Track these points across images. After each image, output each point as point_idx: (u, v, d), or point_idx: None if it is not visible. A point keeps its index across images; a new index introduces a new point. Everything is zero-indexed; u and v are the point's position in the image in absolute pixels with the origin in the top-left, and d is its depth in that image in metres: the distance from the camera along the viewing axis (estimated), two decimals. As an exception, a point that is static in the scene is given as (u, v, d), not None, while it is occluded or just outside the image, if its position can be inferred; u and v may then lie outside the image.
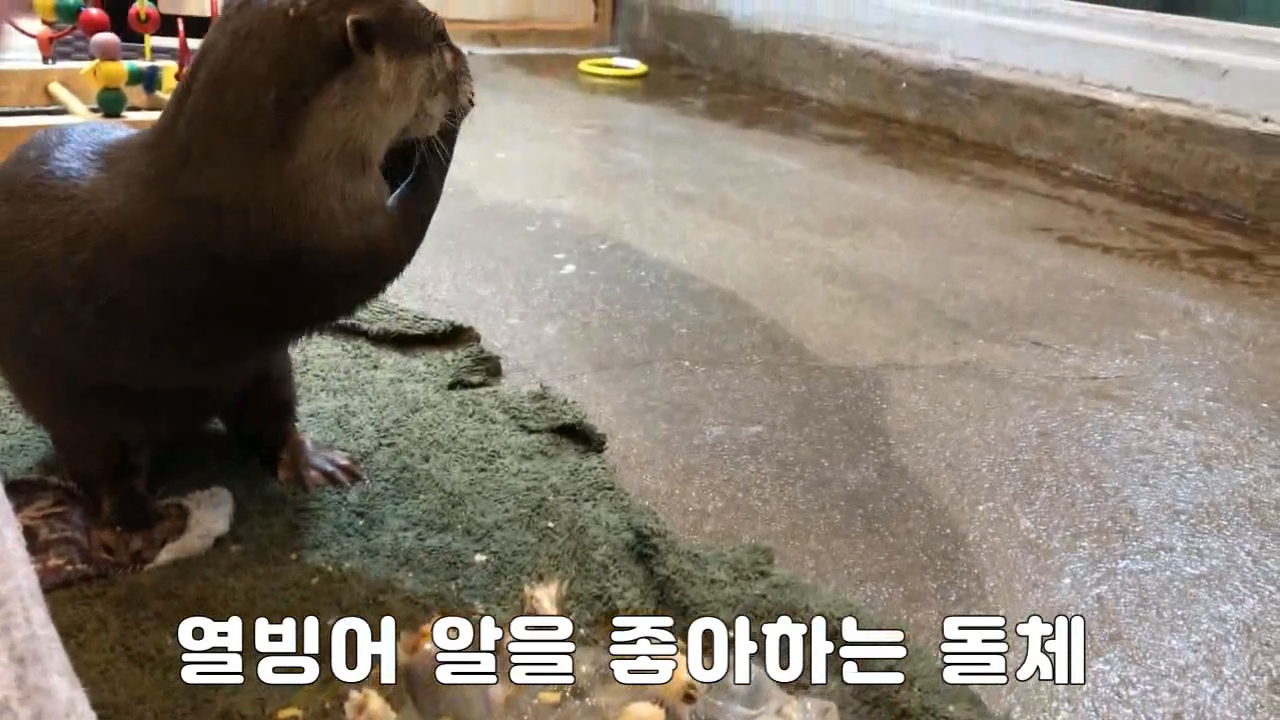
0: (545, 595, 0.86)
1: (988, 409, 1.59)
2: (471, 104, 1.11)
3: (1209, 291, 2.16)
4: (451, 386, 1.51)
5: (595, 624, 1.04)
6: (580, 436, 1.40)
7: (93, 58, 2.17)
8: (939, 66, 3.46)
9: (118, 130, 1.10)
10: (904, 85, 3.58)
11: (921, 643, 1.06)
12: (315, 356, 1.56)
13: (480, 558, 1.13)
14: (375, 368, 1.55)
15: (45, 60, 2.50)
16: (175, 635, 0.96)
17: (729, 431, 1.47)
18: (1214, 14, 2.90)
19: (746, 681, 0.88)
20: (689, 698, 0.80)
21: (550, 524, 1.19)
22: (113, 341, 1.01)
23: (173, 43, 2.32)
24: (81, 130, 1.08)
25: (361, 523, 1.17)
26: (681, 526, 1.24)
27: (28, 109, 2.44)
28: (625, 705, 0.81)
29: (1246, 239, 2.54)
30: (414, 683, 0.76)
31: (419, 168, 1.09)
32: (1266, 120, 2.65)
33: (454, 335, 1.67)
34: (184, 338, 1.03)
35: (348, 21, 0.94)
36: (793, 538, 1.24)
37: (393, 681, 0.92)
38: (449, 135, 1.11)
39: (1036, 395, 1.65)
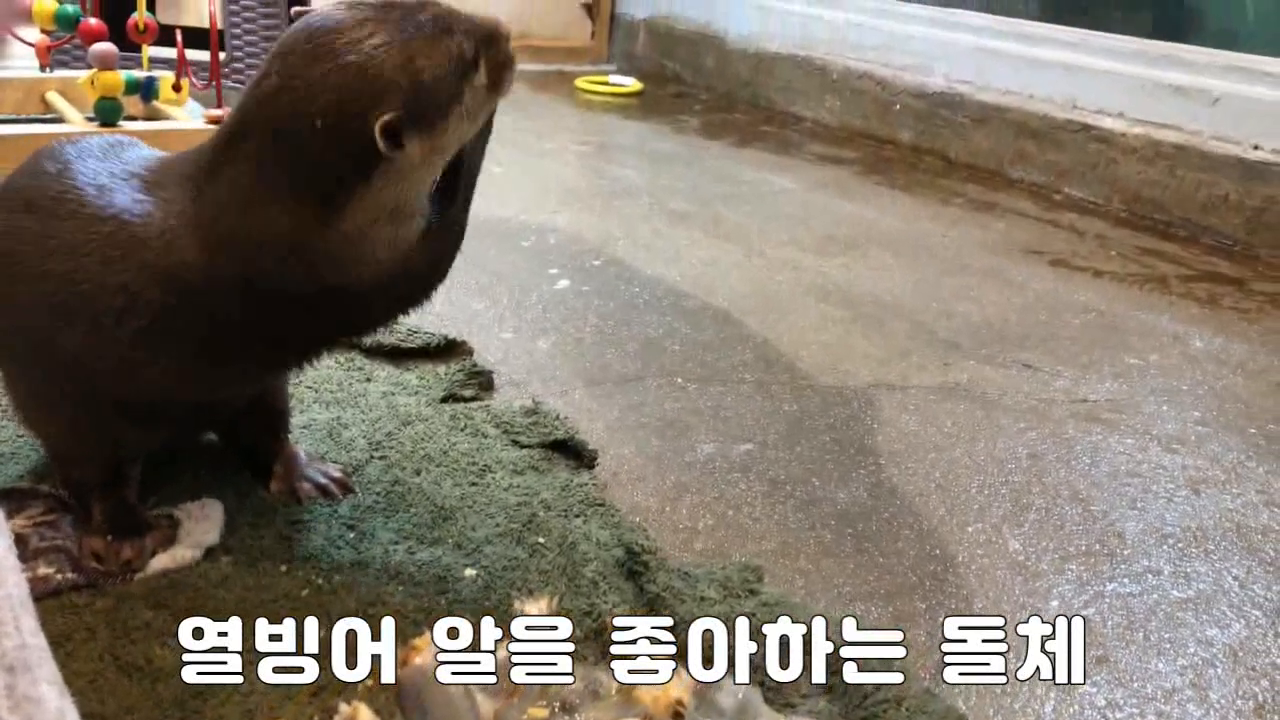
0: (536, 611, 0.86)
1: (978, 430, 1.60)
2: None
3: (1198, 316, 2.17)
4: (444, 400, 1.52)
5: (585, 640, 1.04)
6: (572, 452, 1.41)
7: (90, 67, 2.17)
8: (932, 89, 3.48)
9: (137, 146, 1.11)
10: (898, 107, 3.60)
11: (910, 662, 1.07)
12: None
13: (470, 572, 1.13)
14: (368, 380, 1.55)
15: (43, 69, 2.50)
16: (165, 645, 0.97)
17: (720, 449, 1.48)
18: (1206, 41, 2.93)
19: (735, 698, 0.89)
20: (677, 715, 0.80)
21: (541, 539, 1.19)
22: (150, 360, 1.02)
23: (171, 53, 2.33)
24: (100, 144, 1.09)
25: (352, 535, 1.17)
26: (672, 544, 1.24)
27: (24, 117, 2.44)
28: (614, 721, 0.81)
29: (1236, 265, 2.56)
30: (404, 696, 0.76)
31: (451, 180, 1.09)
32: (1257, 148, 2.67)
33: (447, 349, 1.68)
34: (221, 357, 1.05)
35: (375, 130, 0.94)
36: (783, 556, 1.24)
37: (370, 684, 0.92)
38: (482, 139, 1.12)
39: (1026, 417, 1.66)
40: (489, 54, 1.01)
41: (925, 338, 1.94)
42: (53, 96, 2.44)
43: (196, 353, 1.03)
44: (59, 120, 2.29)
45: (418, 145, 0.97)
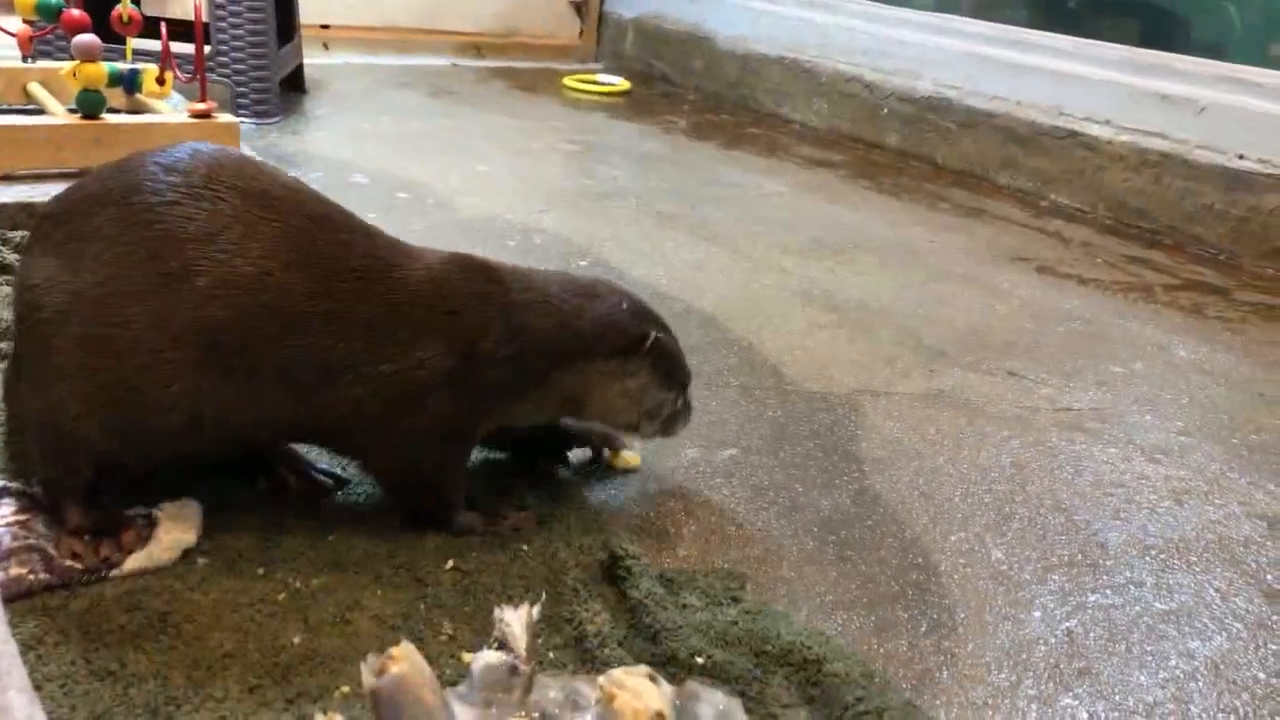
0: (515, 620, 0.85)
1: (962, 438, 1.60)
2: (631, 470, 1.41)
3: (1183, 326, 2.18)
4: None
5: (565, 647, 1.03)
6: (555, 455, 1.39)
7: (73, 58, 2.15)
8: (921, 93, 3.48)
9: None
10: (885, 111, 3.60)
11: (891, 673, 1.06)
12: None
13: (450, 576, 1.11)
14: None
15: (25, 59, 2.47)
16: (139, 649, 0.96)
17: (704, 454, 1.47)
18: (1194, 50, 2.94)
19: (715, 708, 0.88)
20: (658, 726, 0.79)
21: (523, 545, 1.18)
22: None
23: (154, 45, 2.31)
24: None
25: (331, 539, 1.15)
26: (654, 549, 1.23)
27: (4, 107, 2.41)
28: (594, 733, 0.80)
29: (1220, 274, 2.57)
30: (380, 705, 0.75)
31: None
32: (1242, 157, 2.68)
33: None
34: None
35: (650, 334, 1.23)
36: (765, 563, 1.23)
37: (347, 693, 0.91)
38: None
39: (1010, 425, 1.65)
40: (687, 405, 1.33)
41: (911, 344, 1.94)
42: (34, 87, 2.41)
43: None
44: (40, 111, 2.27)
45: (646, 371, 1.25)
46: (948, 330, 2.02)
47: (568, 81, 4.22)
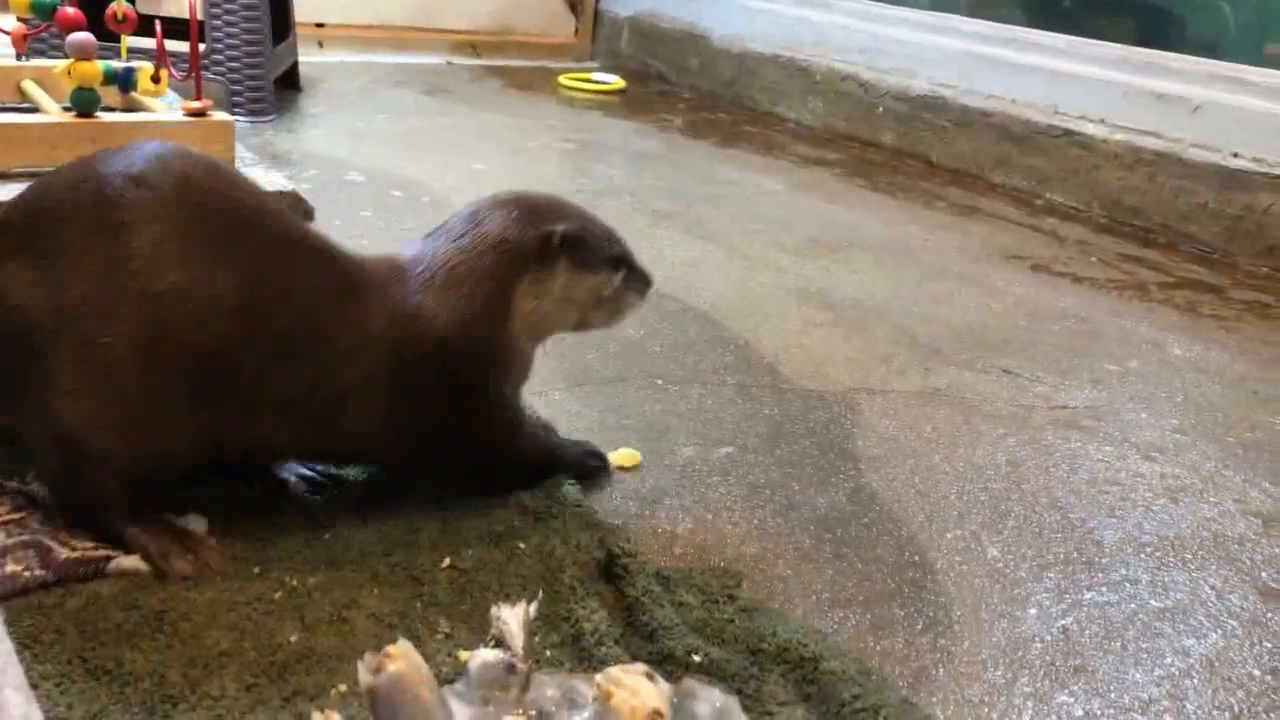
0: (513, 618, 0.85)
1: (958, 436, 1.60)
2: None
3: (1177, 324, 2.18)
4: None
5: (562, 645, 1.03)
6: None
7: (67, 56, 2.14)
8: (916, 92, 3.49)
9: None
10: (881, 109, 3.60)
11: (888, 671, 1.07)
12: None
13: (446, 574, 1.11)
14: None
15: (19, 57, 2.47)
16: (135, 648, 0.96)
17: (700, 452, 1.47)
18: (1188, 49, 2.95)
19: (712, 705, 0.88)
20: (655, 724, 0.79)
21: (520, 543, 1.18)
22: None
23: (150, 43, 2.30)
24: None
25: (327, 537, 1.15)
26: (651, 547, 1.23)
27: (-1, 105, 2.40)
28: (591, 730, 0.80)
29: (1215, 272, 2.57)
30: (377, 703, 0.75)
31: None
32: (1236, 155, 2.69)
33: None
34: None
35: (545, 232, 1.18)
36: (761, 561, 1.23)
37: (344, 691, 0.91)
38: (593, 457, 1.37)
39: (1006, 424, 1.66)
40: (630, 275, 1.29)
41: (906, 342, 1.94)
42: (28, 85, 2.40)
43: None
44: (34, 110, 2.26)
45: (563, 270, 1.21)
46: (943, 328, 2.02)
47: (563, 80, 4.22)
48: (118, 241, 1.01)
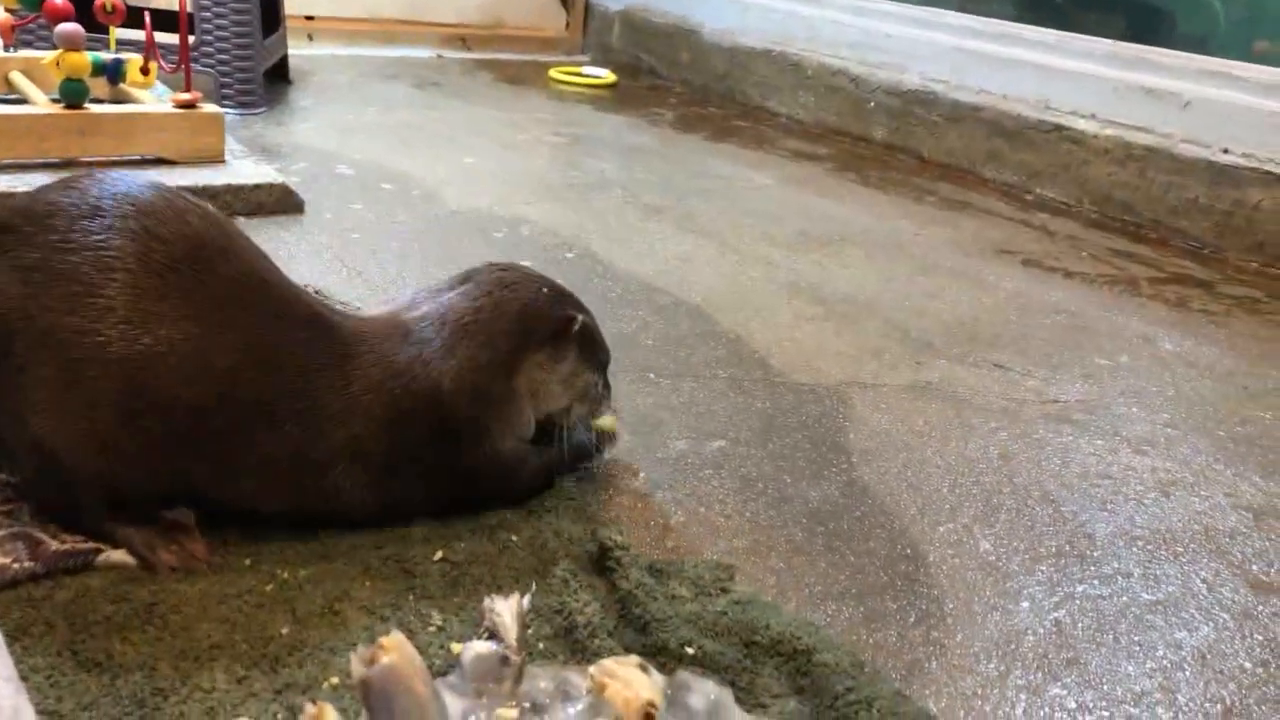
0: (506, 610, 0.85)
1: (949, 430, 1.60)
2: (613, 440, 1.37)
3: (1168, 319, 2.19)
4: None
5: (555, 638, 1.03)
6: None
7: (55, 47, 2.13)
8: (907, 87, 3.49)
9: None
10: (872, 104, 3.60)
11: (881, 663, 1.07)
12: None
13: (439, 567, 1.11)
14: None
15: (6, 48, 2.45)
16: (125, 640, 0.95)
17: (693, 446, 1.47)
18: (1178, 45, 2.95)
19: (707, 698, 0.88)
20: (648, 716, 0.79)
21: (512, 536, 1.18)
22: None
23: (140, 35, 2.29)
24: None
25: (320, 530, 1.15)
26: (644, 540, 1.23)
27: (-13, 97, 2.39)
28: (584, 723, 0.80)
29: (1205, 267, 2.58)
30: (370, 696, 0.75)
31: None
32: (1226, 151, 2.69)
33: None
34: None
35: (571, 315, 1.24)
36: (754, 554, 1.23)
37: (336, 684, 0.91)
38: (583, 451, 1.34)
39: (998, 417, 1.66)
40: (608, 386, 1.32)
41: (898, 336, 1.94)
42: (16, 76, 2.39)
43: None
44: (23, 101, 2.25)
45: (572, 355, 1.25)
46: (934, 323, 2.03)
47: (554, 74, 4.21)
48: (111, 284, 1.00)
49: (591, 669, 0.83)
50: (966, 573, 1.25)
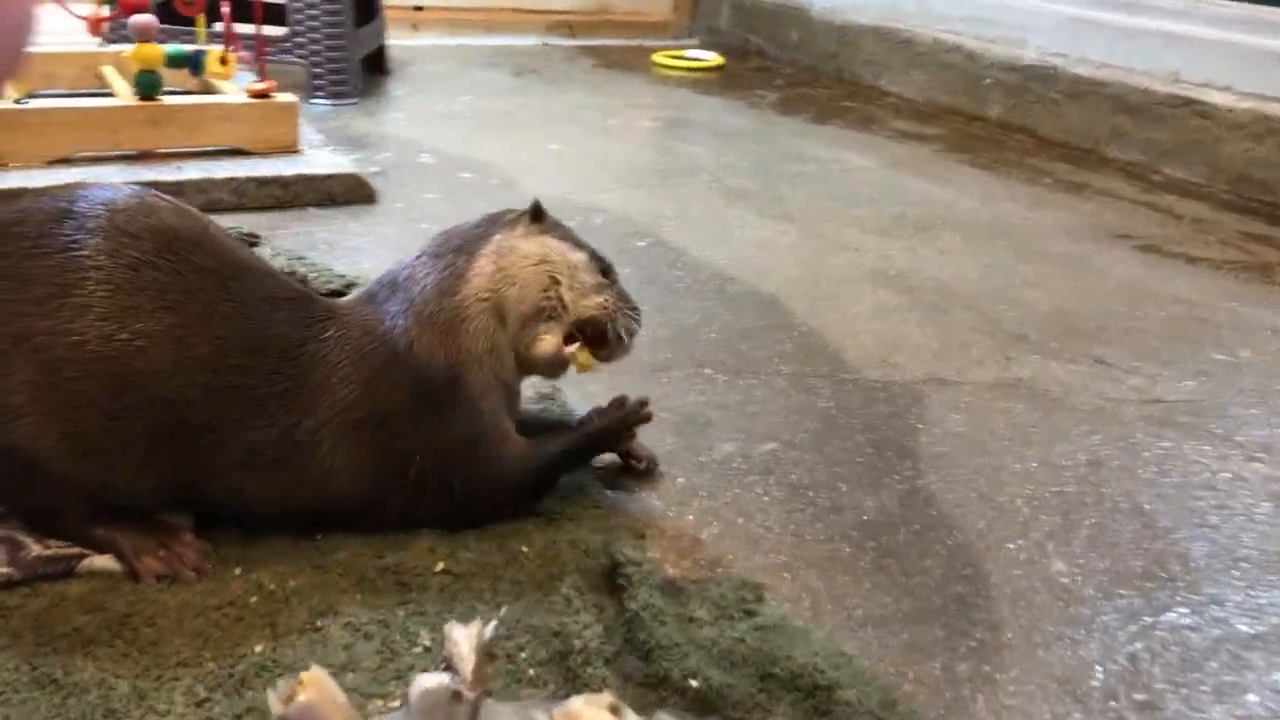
0: (464, 638, 0.76)
1: (1033, 433, 1.45)
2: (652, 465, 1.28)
3: (1301, 309, 1.97)
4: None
5: (549, 663, 0.94)
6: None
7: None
8: (1025, 62, 3.28)
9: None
10: (987, 81, 3.40)
11: (918, 702, 0.94)
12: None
13: (438, 580, 1.03)
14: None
15: (99, 43, 2.49)
16: (88, 655, 0.90)
17: (740, 448, 1.36)
18: (1325, 7, 2.69)
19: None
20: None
21: (524, 546, 1.09)
22: None
23: (238, 28, 2.30)
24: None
25: (319, 536, 1.08)
26: (670, 553, 1.13)
27: (80, 91, 2.42)
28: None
29: (1351, 252, 2.33)
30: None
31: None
32: (1379, 123, 2.43)
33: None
34: None
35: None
36: (791, 571, 1.12)
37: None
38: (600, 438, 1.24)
39: (1091, 419, 1.50)
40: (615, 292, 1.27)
41: (988, 329, 1.79)
42: (106, 70, 2.42)
43: None
44: (110, 95, 2.26)
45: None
46: (1031, 313, 1.86)
47: (657, 58, 4.12)
48: (84, 283, 0.96)
49: (556, 710, 0.74)
50: (1032, 597, 1.11)
